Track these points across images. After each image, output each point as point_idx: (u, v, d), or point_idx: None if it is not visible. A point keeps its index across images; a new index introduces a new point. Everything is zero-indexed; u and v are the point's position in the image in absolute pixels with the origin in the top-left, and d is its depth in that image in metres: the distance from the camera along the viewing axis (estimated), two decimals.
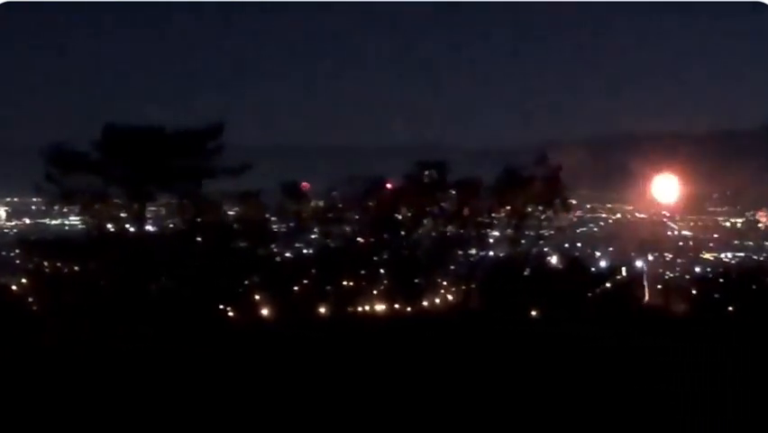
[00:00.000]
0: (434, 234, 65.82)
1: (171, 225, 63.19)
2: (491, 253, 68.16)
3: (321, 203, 67.63)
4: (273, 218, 66.39)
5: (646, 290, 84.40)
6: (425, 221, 66.03)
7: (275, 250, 68.21)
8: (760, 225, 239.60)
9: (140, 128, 60.54)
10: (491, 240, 67.33)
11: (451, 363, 39.48)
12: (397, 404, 32.13)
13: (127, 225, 60.76)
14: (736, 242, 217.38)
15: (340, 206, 65.82)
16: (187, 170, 60.50)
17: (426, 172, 65.23)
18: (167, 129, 60.65)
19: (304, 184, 68.96)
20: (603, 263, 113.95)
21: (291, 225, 67.27)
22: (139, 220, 60.57)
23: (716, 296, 76.85)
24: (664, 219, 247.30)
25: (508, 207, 65.13)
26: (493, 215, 65.93)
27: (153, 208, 63.02)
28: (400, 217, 65.66)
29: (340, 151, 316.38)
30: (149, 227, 62.64)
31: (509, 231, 66.12)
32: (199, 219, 61.68)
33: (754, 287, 74.02)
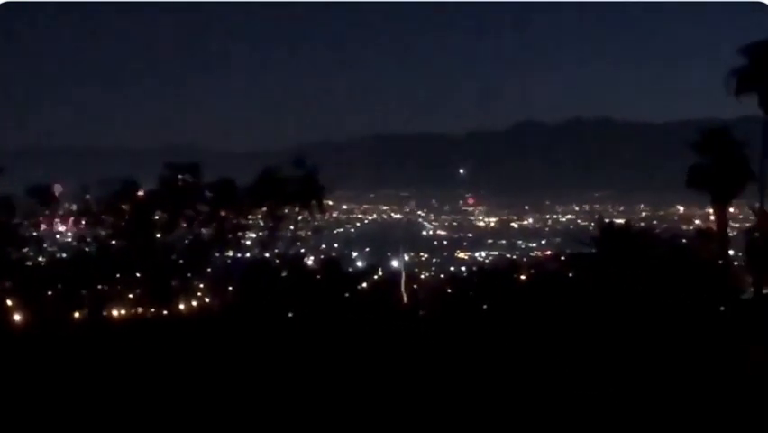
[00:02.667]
0: (189, 236, 65.12)
1: None
2: (248, 255, 67.91)
3: (74, 206, 66.08)
4: (25, 222, 64.45)
5: (403, 290, 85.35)
6: (182, 223, 65.23)
7: (29, 254, 66.41)
8: (512, 223, 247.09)
9: None
10: (248, 242, 67.07)
11: (199, 364, 39.51)
12: (142, 403, 32.12)
13: None
14: (489, 240, 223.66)
15: (93, 209, 64.41)
16: None
17: (180, 176, 64.45)
18: None
19: (56, 186, 67.21)
20: (360, 264, 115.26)
21: (43, 228, 65.56)
22: None
23: (470, 294, 78.29)
24: (420, 219, 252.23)
25: (265, 209, 64.94)
26: (250, 216, 65.65)
27: None
28: (156, 219, 64.71)
29: (95, 152, 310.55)
30: None
31: (266, 232, 65.97)
32: None
33: (507, 285, 75.70)
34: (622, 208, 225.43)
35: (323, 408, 33.44)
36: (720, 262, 66.32)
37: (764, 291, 67.70)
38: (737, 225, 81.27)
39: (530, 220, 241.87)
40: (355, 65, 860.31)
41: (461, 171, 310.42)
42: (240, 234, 65.50)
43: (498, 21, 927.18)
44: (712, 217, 73.77)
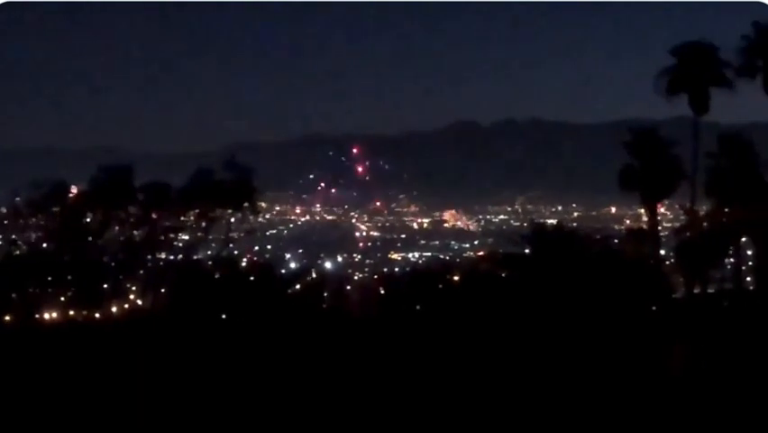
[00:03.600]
0: (121, 238, 64.51)
1: None
2: (181, 257, 67.40)
3: (3, 209, 65.32)
4: None
5: (337, 291, 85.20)
6: (114, 225, 64.58)
7: None
8: (446, 224, 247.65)
9: None
10: (181, 244, 66.56)
11: (128, 367, 39.24)
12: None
13: None
14: (422, 241, 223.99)
15: (23, 211, 63.64)
16: None
17: (112, 178, 63.79)
18: None
19: None
20: (293, 265, 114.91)
21: None
22: None
23: (403, 295, 78.27)
24: (353, 221, 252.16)
25: (197, 211, 64.46)
26: (183, 218, 65.12)
27: None
28: (88, 221, 64.03)
29: (27, 153, 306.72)
30: None
31: (199, 234, 65.50)
32: None
33: (440, 285, 75.77)
34: (554, 209, 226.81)
35: (251, 406, 33.34)
36: (652, 261, 66.88)
37: (695, 291, 68.42)
38: (669, 224, 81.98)
39: (462, 220, 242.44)
40: (287, 65, 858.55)
41: (404, 175, 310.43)
42: (172, 235, 64.99)
43: (432, 20, 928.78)
44: (645, 218, 74.39)
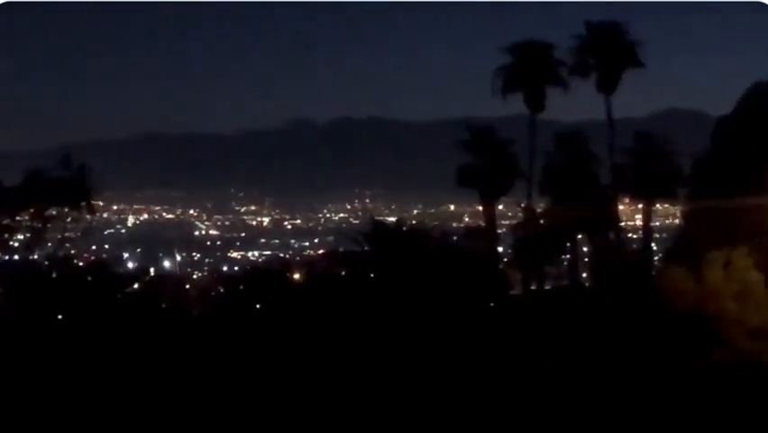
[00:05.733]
0: None
1: None
2: (16, 257, 65.82)
3: None
4: None
5: (176, 290, 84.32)
6: None
7: None
8: (286, 222, 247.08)
9: None
10: (16, 243, 64.98)
11: None
12: None
13: None
14: (262, 240, 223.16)
15: None
16: None
17: None
18: None
19: None
20: (131, 265, 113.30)
21: None
22: None
23: (242, 294, 77.87)
24: (192, 219, 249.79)
25: (32, 210, 63.00)
26: (18, 218, 63.56)
27: None
28: None
29: None
30: None
31: (34, 234, 64.04)
32: None
33: (279, 284, 75.51)
34: (394, 207, 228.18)
35: (86, 405, 32.86)
36: (489, 258, 67.72)
37: (532, 288, 69.60)
38: (507, 222, 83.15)
39: (300, 220, 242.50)
40: (126, 65, 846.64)
41: (240, 169, 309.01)
42: (6, 235, 63.37)
43: (268, 18, 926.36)
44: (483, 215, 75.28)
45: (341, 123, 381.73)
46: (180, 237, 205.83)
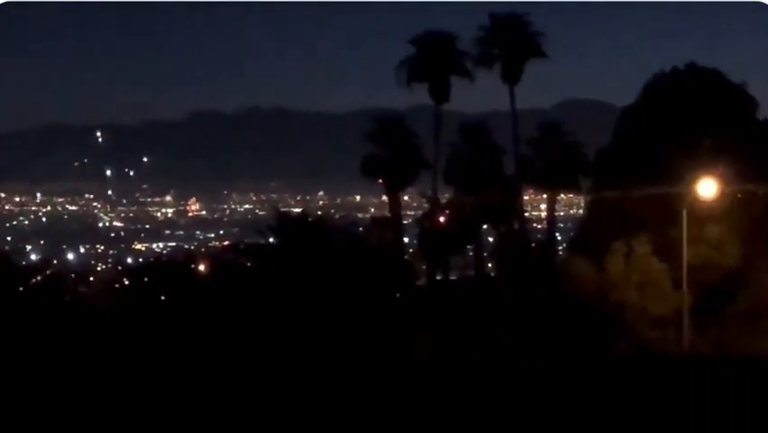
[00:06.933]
0: None
1: None
2: None
3: None
4: None
5: (80, 282, 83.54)
6: None
7: None
8: (191, 214, 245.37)
9: None
10: None
11: None
12: None
13: None
14: (167, 231, 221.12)
15: None
16: None
17: None
18: None
19: None
20: (34, 257, 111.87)
21: None
22: None
23: (147, 286, 77.36)
24: (96, 211, 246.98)
25: None
26: None
27: None
28: None
29: None
30: None
31: None
32: None
33: (184, 276, 75.07)
34: (300, 198, 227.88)
35: None
36: (395, 249, 67.76)
37: (437, 277, 69.75)
38: (412, 212, 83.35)
39: (205, 211, 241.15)
40: (25, 56, 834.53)
41: (144, 160, 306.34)
42: None
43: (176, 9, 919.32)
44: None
45: (247, 113, 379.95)
46: (84, 229, 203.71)
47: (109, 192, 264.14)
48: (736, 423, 28.25)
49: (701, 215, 48.34)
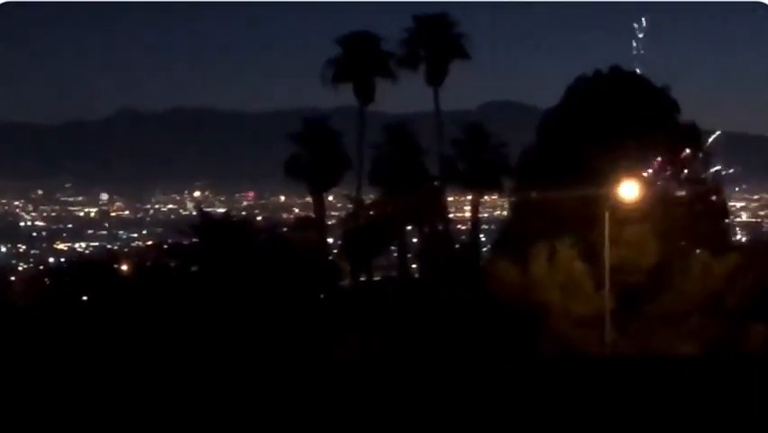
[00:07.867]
0: None
1: None
2: None
3: None
4: None
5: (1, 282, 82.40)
6: None
7: None
8: (114, 213, 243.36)
9: None
10: None
11: None
12: None
13: None
14: (90, 231, 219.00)
15: None
16: None
17: None
18: None
19: None
20: None
21: None
22: None
23: (68, 285, 76.47)
24: (17, 210, 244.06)
25: None
26: None
27: None
28: None
29: None
30: None
31: None
32: None
33: (107, 276, 74.29)
34: (224, 198, 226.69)
35: None
36: (319, 250, 67.64)
37: (362, 278, 69.75)
38: (337, 213, 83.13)
39: (128, 211, 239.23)
40: None
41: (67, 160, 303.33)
42: None
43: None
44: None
45: (171, 113, 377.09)
46: (5, 228, 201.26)
47: (38, 192, 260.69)
48: (656, 422, 28.55)
49: (623, 216, 48.85)
